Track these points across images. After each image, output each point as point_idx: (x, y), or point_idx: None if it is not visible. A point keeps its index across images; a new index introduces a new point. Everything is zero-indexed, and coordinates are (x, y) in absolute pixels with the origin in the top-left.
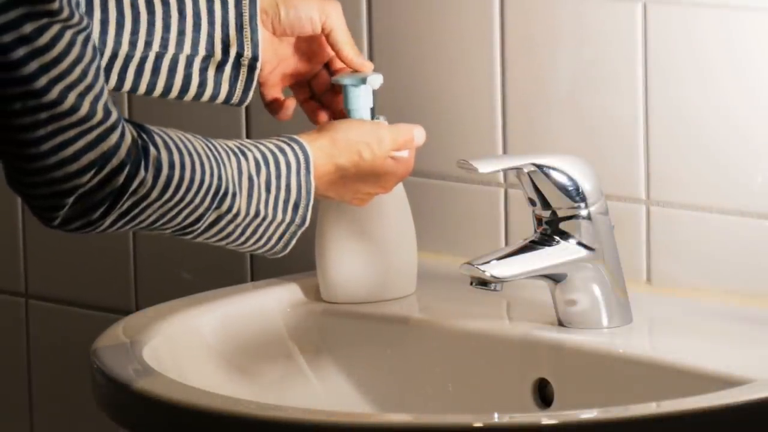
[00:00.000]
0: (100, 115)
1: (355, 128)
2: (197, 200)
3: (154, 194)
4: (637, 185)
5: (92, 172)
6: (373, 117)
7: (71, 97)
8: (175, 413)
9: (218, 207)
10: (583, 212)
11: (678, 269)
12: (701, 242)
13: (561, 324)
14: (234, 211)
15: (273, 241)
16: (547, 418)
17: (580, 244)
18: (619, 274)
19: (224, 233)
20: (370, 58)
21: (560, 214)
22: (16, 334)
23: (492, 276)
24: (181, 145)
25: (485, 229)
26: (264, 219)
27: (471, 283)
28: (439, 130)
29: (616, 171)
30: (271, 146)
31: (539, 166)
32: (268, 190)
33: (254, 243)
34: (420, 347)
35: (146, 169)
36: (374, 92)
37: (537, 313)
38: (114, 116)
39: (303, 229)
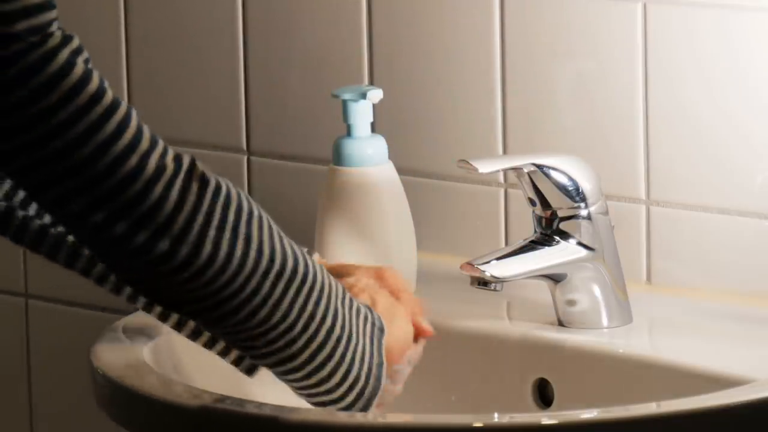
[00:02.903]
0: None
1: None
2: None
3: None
4: (637, 185)
5: None
6: (372, 129)
7: None
8: (175, 413)
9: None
10: (583, 212)
11: (678, 269)
12: (701, 242)
13: (561, 324)
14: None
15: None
16: (547, 418)
17: (580, 244)
18: (619, 274)
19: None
20: (370, 57)
21: (560, 214)
22: (16, 334)
23: (492, 276)
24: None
25: (485, 229)
26: (341, 294)
27: (471, 283)
28: (439, 130)
29: (616, 171)
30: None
31: (539, 166)
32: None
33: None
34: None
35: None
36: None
37: (537, 313)
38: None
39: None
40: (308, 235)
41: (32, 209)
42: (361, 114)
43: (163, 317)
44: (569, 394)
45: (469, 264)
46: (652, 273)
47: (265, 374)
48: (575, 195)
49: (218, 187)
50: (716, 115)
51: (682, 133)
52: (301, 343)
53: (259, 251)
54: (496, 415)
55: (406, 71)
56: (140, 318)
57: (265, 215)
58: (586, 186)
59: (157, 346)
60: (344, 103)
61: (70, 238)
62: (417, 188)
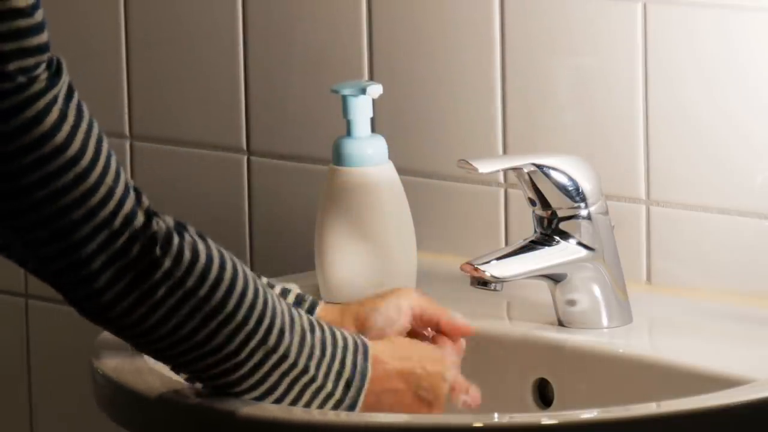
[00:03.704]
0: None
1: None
2: (239, 314)
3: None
4: (637, 185)
5: None
6: (372, 128)
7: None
8: (175, 413)
9: (264, 338)
10: (583, 212)
11: (678, 269)
12: (701, 242)
13: (561, 324)
14: (281, 351)
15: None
16: (547, 418)
17: (580, 244)
18: (619, 274)
19: (268, 382)
20: (370, 58)
21: (560, 214)
22: (16, 334)
23: (492, 276)
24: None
25: (485, 229)
26: (313, 381)
27: (471, 283)
28: (439, 130)
29: (616, 171)
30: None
31: (539, 166)
32: (322, 351)
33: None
34: None
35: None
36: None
37: (537, 313)
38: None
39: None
40: (308, 236)
41: None
42: (361, 109)
43: None
44: (569, 394)
45: (469, 264)
46: (652, 273)
47: None
48: (575, 195)
49: (159, 261)
50: (716, 115)
51: (682, 133)
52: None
53: (176, 328)
54: (496, 415)
55: (406, 71)
56: None
57: (218, 290)
58: (586, 186)
59: None
60: (344, 98)
61: None
62: (417, 188)
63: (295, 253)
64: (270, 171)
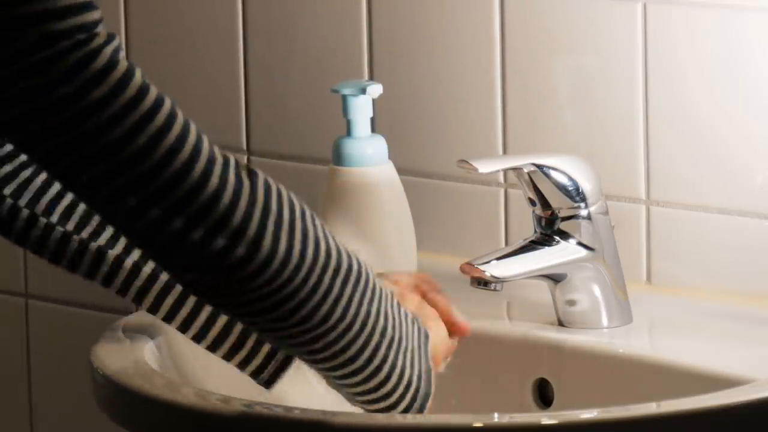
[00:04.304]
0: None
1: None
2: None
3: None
4: (637, 185)
5: None
6: (372, 128)
7: None
8: (175, 413)
9: (349, 268)
10: (583, 212)
11: (678, 269)
12: (701, 242)
13: (561, 324)
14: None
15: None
16: (547, 418)
17: (580, 244)
18: (619, 274)
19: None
20: (370, 57)
21: (560, 214)
22: (16, 334)
23: (492, 276)
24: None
25: (485, 229)
26: (396, 328)
27: (471, 283)
28: (439, 130)
29: (616, 171)
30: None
31: (539, 166)
32: (392, 308)
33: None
34: None
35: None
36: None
37: (537, 313)
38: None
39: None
40: None
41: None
42: (361, 109)
43: (169, 318)
44: (569, 394)
45: (469, 264)
46: (652, 273)
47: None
48: (575, 195)
49: (267, 182)
50: (716, 115)
51: (682, 133)
52: (359, 344)
53: (316, 246)
54: (496, 415)
55: (406, 71)
56: (140, 318)
57: (312, 212)
58: (586, 186)
59: (157, 346)
60: (344, 98)
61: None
62: (417, 188)
63: None
64: (270, 171)
